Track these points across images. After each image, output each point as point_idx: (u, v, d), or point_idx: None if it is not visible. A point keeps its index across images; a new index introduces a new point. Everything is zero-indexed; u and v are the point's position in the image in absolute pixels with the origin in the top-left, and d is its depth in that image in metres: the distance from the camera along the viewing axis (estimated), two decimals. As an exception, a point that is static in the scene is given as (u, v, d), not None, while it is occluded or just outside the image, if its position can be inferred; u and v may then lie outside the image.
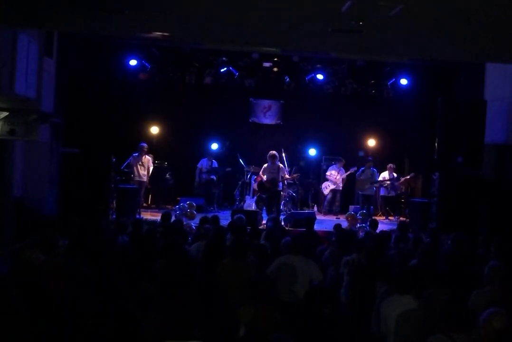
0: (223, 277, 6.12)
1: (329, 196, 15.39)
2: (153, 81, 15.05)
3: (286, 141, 15.61)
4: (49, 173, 11.67)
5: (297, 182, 14.93)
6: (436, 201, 12.56)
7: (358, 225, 11.90)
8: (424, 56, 11.16)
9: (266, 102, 16.45)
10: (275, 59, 15.13)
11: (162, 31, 8.77)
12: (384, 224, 13.84)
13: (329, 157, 16.01)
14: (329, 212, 15.34)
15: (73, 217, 8.88)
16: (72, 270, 5.42)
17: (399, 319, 5.39)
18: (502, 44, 7.88)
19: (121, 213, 12.27)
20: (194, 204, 12.92)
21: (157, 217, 12.33)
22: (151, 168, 14.26)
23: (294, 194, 15.06)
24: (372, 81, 15.40)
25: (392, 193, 15.24)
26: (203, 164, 15.10)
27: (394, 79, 15.39)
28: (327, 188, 15.42)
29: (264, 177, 13.45)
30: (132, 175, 13.89)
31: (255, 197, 14.43)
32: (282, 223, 11.90)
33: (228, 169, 15.21)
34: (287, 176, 13.84)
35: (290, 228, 11.50)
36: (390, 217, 15.17)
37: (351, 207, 14.74)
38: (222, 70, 15.06)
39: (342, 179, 15.35)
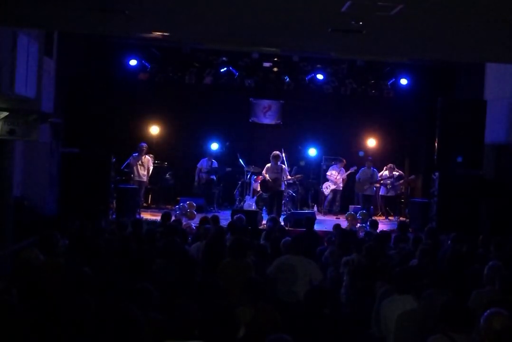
0: (223, 277, 6.12)
1: (329, 196, 15.39)
2: (153, 81, 15.05)
3: (286, 141, 15.60)
4: (49, 173, 11.67)
5: (297, 182, 14.94)
6: (436, 201, 12.55)
7: (358, 225, 11.91)
8: (424, 56, 11.16)
9: (266, 102, 16.45)
10: (275, 59, 15.13)
11: (162, 31, 8.76)
12: (384, 224, 13.85)
13: (329, 157, 16.01)
14: (329, 212, 15.35)
15: (73, 217, 8.86)
16: (72, 270, 5.42)
17: (399, 319, 5.39)
18: (502, 44, 7.87)
19: (121, 213, 12.27)
20: (194, 204, 12.93)
21: (157, 217, 12.33)
22: (151, 168, 14.26)
23: (294, 194, 15.06)
24: (372, 81, 15.40)
25: (392, 193, 15.24)
26: (203, 164, 15.10)
27: (394, 79, 15.39)
28: (327, 188, 15.42)
29: (267, 176, 13.46)
30: (132, 175, 13.90)
31: (255, 197, 14.44)
32: (282, 223, 11.90)
33: (228, 169, 15.21)
34: (289, 176, 13.84)
35: (290, 228, 11.50)
36: (390, 217, 15.17)
37: (351, 207, 14.74)
38: (222, 70, 15.06)
39: (343, 179, 15.36)
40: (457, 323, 4.47)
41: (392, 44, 8.53)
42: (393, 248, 8.52)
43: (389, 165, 15.21)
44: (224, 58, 14.82)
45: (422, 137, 15.56)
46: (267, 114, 16.50)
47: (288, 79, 15.38)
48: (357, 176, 15.08)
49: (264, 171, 13.68)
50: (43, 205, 11.33)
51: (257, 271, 6.50)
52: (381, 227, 12.16)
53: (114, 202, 12.39)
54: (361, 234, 9.80)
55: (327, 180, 15.52)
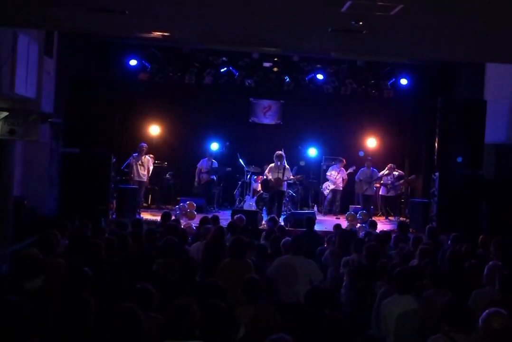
0: (223, 277, 6.12)
1: (329, 196, 15.39)
2: (153, 81, 15.04)
3: (286, 141, 15.59)
4: (49, 173, 11.67)
5: (297, 182, 14.94)
6: (436, 201, 12.56)
7: (358, 225, 11.91)
8: (424, 56, 11.16)
9: (266, 102, 16.46)
10: (275, 59, 15.12)
11: (162, 31, 8.76)
12: (384, 224, 13.86)
13: (329, 157, 16.02)
14: (329, 212, 15.35)
15: (73, 217, 8.86)
16: (72, 270, 5.42)
17: (399, 319, 5.39)
18: (502, 44, 7.88)
19: (121, 213, 12.28)
20: (194, 204, 12.94)
21: (157, 217, 12.33)
22: (151, 168, 14.26)
23: (294, 194, 15.06)
24: (372, 81, 15.39)
25: (392, 193, 15.25)
26: (203, 164, 15.10)
27: (394, 79, 15.39)
28: (327, 188, 15.43)
29: (270, 176, 13.46)
30: (132, 175, 13.90)
31: (255, 197, 14.44)
32: (282, 223, 11.90)
33: (228, 169, 15.21)
34: (291, 177, 13.85)
35: (290, 228, 11.50)
36: (390, 217, 15.18)
37: (351, 207, 14.75)
38: (222, 70, 15.05)
39: (343, 179, 15.36)
40: (457, 323, 4.47)
41: (392, 44, 8.54)
42: (393, 248, 8.53)
43: (390, 165, 15.21)
44: (224, 58, 14.82)
45: (422, 137, 15.56)
46: (267, 114, 16.50)
47: (288, 79, 15.38)
48: (356, 176, 15.08)
49: (266, 171, 13.68)
50: (43, 205, 11.34)
51: (257, 271, 6.50)
52: (381, 227, 12.17)
53: (114, 202, 12.39)
54: (361, 234, 9.79)
55: (327, 180, 15.52)
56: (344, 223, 12.03)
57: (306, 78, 15.32)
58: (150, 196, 15.18)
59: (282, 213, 13.76)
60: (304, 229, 9.38)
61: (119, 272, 6.07)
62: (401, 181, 15.21)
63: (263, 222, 12.28)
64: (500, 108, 12.72)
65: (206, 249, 7.63)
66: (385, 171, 15.11)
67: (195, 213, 12.59)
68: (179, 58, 14.90)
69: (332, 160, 15.75)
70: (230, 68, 15.04)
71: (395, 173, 15.14)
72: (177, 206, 13.18)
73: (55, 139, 11.87)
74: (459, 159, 12.44)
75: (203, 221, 9.32)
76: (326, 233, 10.21)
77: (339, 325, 4.16)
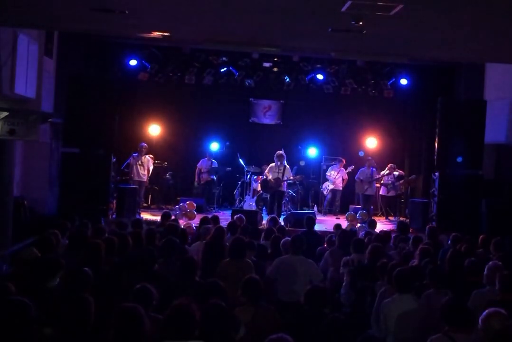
0: (223, 277, 6.11)
1: (329, 196, 15.39)
2: (153, 81, 15.04)
3: (286, 141, 15.60)
4: (49, 173, 11.68)
5: (297, 182, 14.94)
6: (436, 201, 12.56)
7: (358, 225, 11.90)
8: (424, 56, 11.16)
9: (266, 102, 16.46)
10: (275, 59, 15.12)
11: (162, 31, 8.77)
12: (384, 224, 13.85)
13: (329, 157, 16.01)
14: (329, 212, 15.35)
15: (73, 217, 8.86)
16: (72, 270, 5.42)
17: (399, 319, 5.40)
18: (502, 44, 7.88)
19: (121, 213, 12.28)
20: (194, 204, 12.94)
21: (157, 217, 12.33)
22: (151, 168, 14.26)
23: (294, 194, 15.06)
24: (372, 81, 15.39)
25: (392, 193, 15.24)
26: (203, 164, 15.09)
27: (394, 79, 15.38)
28: (327, 188, 15.43)
29: (269, 176, 13.47)
30: (132, 175, 13.90)
31: (255, 197, 14.44)
32: (282, 223, 11.90)
33: (228, 169, 15.21)
34: (291, 177, 13.85)
35: (290, 228, 11.50)
36: (390, 217, 15.18)
37: (351, 207, 14.74)
38: (222, 70, 15.05)
39: (343, 179, 15.35)
40: (457, 323, 4.47)
41: (392, 44, 8.54)
42: (393, 248, 8.53)
43: (390, 164, 15.21)
44: (224, 58, 14.81)
45: (422, 137, 15.56)
46: (267, 114, 16.50)
47: (288, 79, 15.38)
48: (356, 176, 15.08)
49: (266, 171, 13.69)
50: (43, 205, 11.34)
51: (257, 271, 6.50)
52: (381, 227, 12.17)
53: (114, 202, 12.39)
54: (361, 234, 9.79)
55: (327, 180, 15.52)
56: (344, 223, 12.03)
57: (306, 78, 15.32)
58: (150, 196, 15.18)
59: (282, 213, 13.76)
60: (304, 229, 9.37)
61: (119, 272, 6.07)
62: (401, 181, 15.21)
63: (263, 222, 12.28)
64: (500, 108, 12.72)
65: (206, 249, 7.63)
66: (385, 171, 15.11)
67: (195, 213, 12.59)
68: (179, 58, 14.90)
69: (332, 160, 15.74)
70: (230, 68, 15.03)
71: (396, 173, 15.14)
72: (177, 206, 13.18)
73: (55, 139, 11.87)
74: (459, 159, 12.44)
75: (203, 221, 9.31)
76: (326, 233, 10.21)
77: (339, 325, 4.16)
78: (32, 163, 11.29)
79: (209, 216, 10.14)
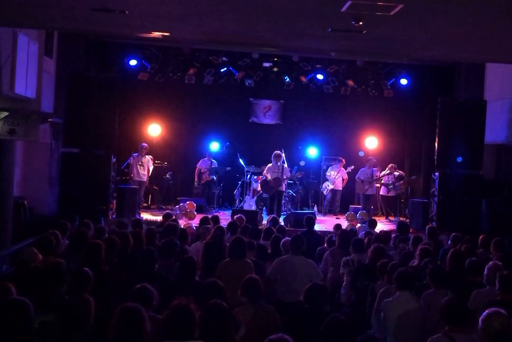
0: (223, 277, 6.11)
1: (328, 196, 15.39)
2: (153, 81, 15.04)
3: (286, 141, 15.60)
4: (49, 173, 11.67)
5: (297, 182, 14.92)
6: (436, 201, 12.56)
7: (358, 225, 11.91)
8: (424, 56, 11.16)
9: (266, 102, 16.46)
10: (275, 59, 15.13)
11: (162, 31, 8.76)
12: (384, 224, 13.85)
13: (329, 157, 16.01)
14: (329, 212, 15.34)
15: (73, 217, 8.86)
16: (72, 270, 5.42)
17: (399, 319, 5.40)
18: (502, 44, 7.88)
19: (121, 213, 12.28)
20: (194, 204, 12.94)
21: (157, 217, 12.34)
22: (150, 168, 14.26)
23: (294, 194, 15.06)
24: (372, 81, 15.39)
25: (392, 193, 15.23)
26: (202, 164, 15.09)
27: (394, 79, 15.38)
28: (326, 188, 15.43)
29: (269, 176, 13.46)
30: (132, 175, 13.90)
31: (255, 197, 14.44)
32: (282, 223, 11.90)
33: (228, 169, 15.21)
34: (289, 176, 13.84)
35: (290, 228, 11.50)
36: (390, 217, 15.18)
37: (351, 207, 14.74)
38: (222, 70, 15.05)
39: (343, 179, 15.35)
40: (457, 323, 4.47)
41: (392, 44, 8.54)
42: (393, 248, 8.53)
43: (391, 164, 15.20)
44: (224, 58, 14.81)
45: (422, 137, 15.55)
46: (267, 114, 16.50)
47: (288, 79, 15.37)
48: (356, 176, 15.07)
49: (265, 171, 13.69)
50: (43, 205, 11.34)
51: (257, 271, 6.49)
52: (381, 227, 12.17)
53: (114, 202, 12.39)
54: (361, 233, 9.79)
55: (327, 180, 15.52)
56: (344, 223, 12.03)
57: (306, 78, 15.32)
58: (150, 196, 15.18)
59: (282, 213, 13.77)
60: (304, 229, 9.37)
61: (119, 272, 6.07)
62: (401, 181, 15.20)
63: (263, 222, 12.28)
64: (500, 108, 12.72)
65: (206, 249, 7.63)
66: (386, 171, 15.10)
67: (195, 213, 12.59)
68: (179, 58, 14.90)
69: (332, 160, 15.74)
70: (230, 68, 15.03)
71: (396, 173, 15.14)
72: (177, 206, 13.18)
73: (55, 139, 11.86)
74: (459, 159, 12.45)
75: (203, 221, 9.31)
76: (326, 233, 10.21)
77: (339, 325, 4.15)
78: (32, 163, 11.28)
79: (209, 216, 10.14)
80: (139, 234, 7.49)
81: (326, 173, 15.48)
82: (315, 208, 15.45)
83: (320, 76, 15.24)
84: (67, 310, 4.03)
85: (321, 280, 7.08)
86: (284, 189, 13.70)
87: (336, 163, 15.40)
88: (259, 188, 14.37)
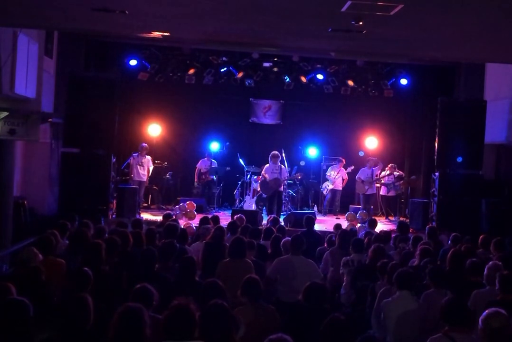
0: (223, 277, 6.11)
1: (328, 196, 15.38)
2: (153, 81, 15.04)
3: (286, 141, 15.61)
4: (49, 173, 11.68)
5: (297, 182, 14.91)
6: (436, 201, 12.56)
7: (358, 225, 11.90)
8: (424, 56, 11.16)
9: (266, 102, 16.46)
10: (275, 59, 15.12)
11: (162, 31, 8.77)
12: (384, 224, 13.85)
13: (329, 157, 16.01)
14: (329, 212, 15.34)
15: (73, 217, 8.87)
16: (72, 270, 5.42)
17: (399, 319, 5.40)
18: (502, 44, 7.88)
19: (121, 213, 12.28)
20: (194, 204, 12.94)
21: (157, 217, 12.34)
22: (150, 168, 14.26)
23: (294, 194, 15.05)
24: (372, 81, 15.38)
25: (392, 193, 15.23)
26: (202, 164, 15.09)
27: (394, 79, 15.37)
28: (326, 188, 15.43)
29: (267, 176, 13.46)
30: (132, 175, 13.90)
31: (255, 197, 14.44)
32: (282, 223, 11.90)
33: (228, 169, 15.21)
34: (287, 176, 13.83)
35: (290, 228, 11.50)
36: (390, 217, 15.18)
37: (351, 207, 14.74)
38: (222, 70, 15.05)
39: (343, 179, 15.35)
40: (457, 323, 4.47)
41: (392, 44, 8.54)
42: (393, 248, 8.53)
43: (391, 164, 15.20)
44: (224, 58, 14.81)
45: (422, 137, 15.55)
46: (267, 114, 16.50)
47: (288, 79, 15.37)
48: (357, 176, 15.08)
49: (263, 172, 13.68)
50: (43, 205, 11.35)
51: (257, 271, 6.49)
52: (381, 227, 12.17)
53: (114, 202, 12.39)
54: (361, 233, 9.79)
55: (327, 180, 15.52)
56: (344, 223, 12.03)
57: (306, 78, 15.32)
58: (150, 196, 15.18)
59: (282, 213, 13.76)
60: (304, 229, 9.37)
61: (119, 272, 6.06)
62: (401, 181, 15.20)
63: (263, 222, 12.28)
64: (500, 108, 12.72)
65: (206, 249, 7.62)
66: (386, 171, 15.11)
67: (195, 213, 12.59)
68: (179, 58, 14.90)
69: (332, 160, 15.74)
70: (230, 68, 15.03)
71: (396, 173, 15.14)
72: (177, 206, 13.18)
73: (55, 139, 11.87)
74: (459, 159, 12.44)
75: (203, 221, 9.31)
76: (326, 233, 10.21)
77: (339, 325, 4.15)
78: (32, 163, 11.29)
79: (209, 216, 10.14)
80: (139, 234, 7.49)
81: (326, 173, 15.47)
82: (315, 208, 15.45)
83: (320, 76, 15.23)
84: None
85: (321, 280, 7.09)
86: (281, 189, 13.69)
87: (336, 163, 15.40)
88: (259, 188, 14.37)
